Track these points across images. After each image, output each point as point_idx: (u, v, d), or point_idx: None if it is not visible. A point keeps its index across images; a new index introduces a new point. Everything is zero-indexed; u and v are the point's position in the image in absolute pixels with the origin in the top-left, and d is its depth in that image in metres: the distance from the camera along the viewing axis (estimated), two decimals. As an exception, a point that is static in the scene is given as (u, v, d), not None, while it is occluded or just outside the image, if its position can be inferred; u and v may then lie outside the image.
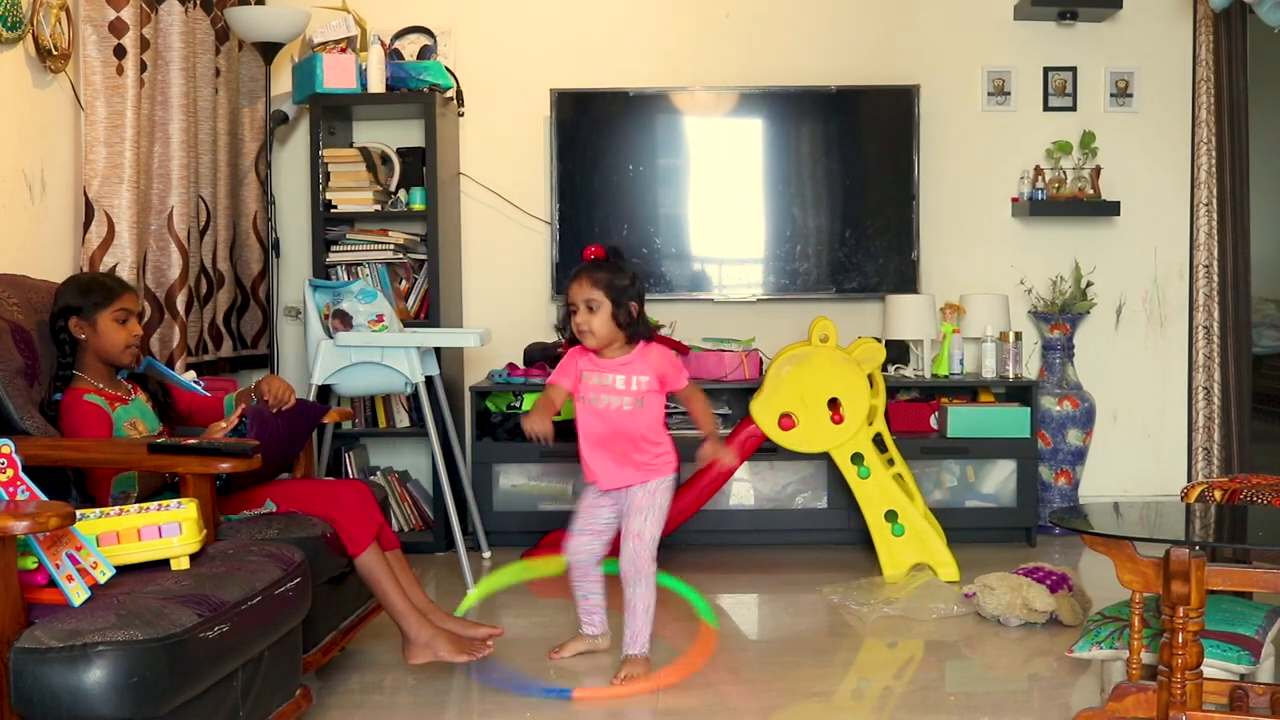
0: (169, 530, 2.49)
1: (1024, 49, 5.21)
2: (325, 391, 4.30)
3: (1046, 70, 5.20)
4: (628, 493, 3.33)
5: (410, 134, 5.05)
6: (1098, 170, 5.12)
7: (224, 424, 3.09)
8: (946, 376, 4.94)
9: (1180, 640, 2.54)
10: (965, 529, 4.77)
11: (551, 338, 5.10)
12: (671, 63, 5.17)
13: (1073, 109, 5.21)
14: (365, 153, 4.76)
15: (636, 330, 3.29)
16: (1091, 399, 5.04)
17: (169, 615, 2.19)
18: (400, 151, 4.91)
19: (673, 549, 4.74)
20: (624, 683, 3.21)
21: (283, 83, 5.02)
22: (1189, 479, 5.20)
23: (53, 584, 2.25)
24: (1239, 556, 2.93)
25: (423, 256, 4.83)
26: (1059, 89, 5.20)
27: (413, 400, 4.85)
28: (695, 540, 4.81)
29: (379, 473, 4.96)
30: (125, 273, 3.80)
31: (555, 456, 4.76)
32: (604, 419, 3.30)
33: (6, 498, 2.31)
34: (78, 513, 2.37)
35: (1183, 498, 3.47)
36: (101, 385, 3.12)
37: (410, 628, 3.20)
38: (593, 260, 3.30)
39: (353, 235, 4.77)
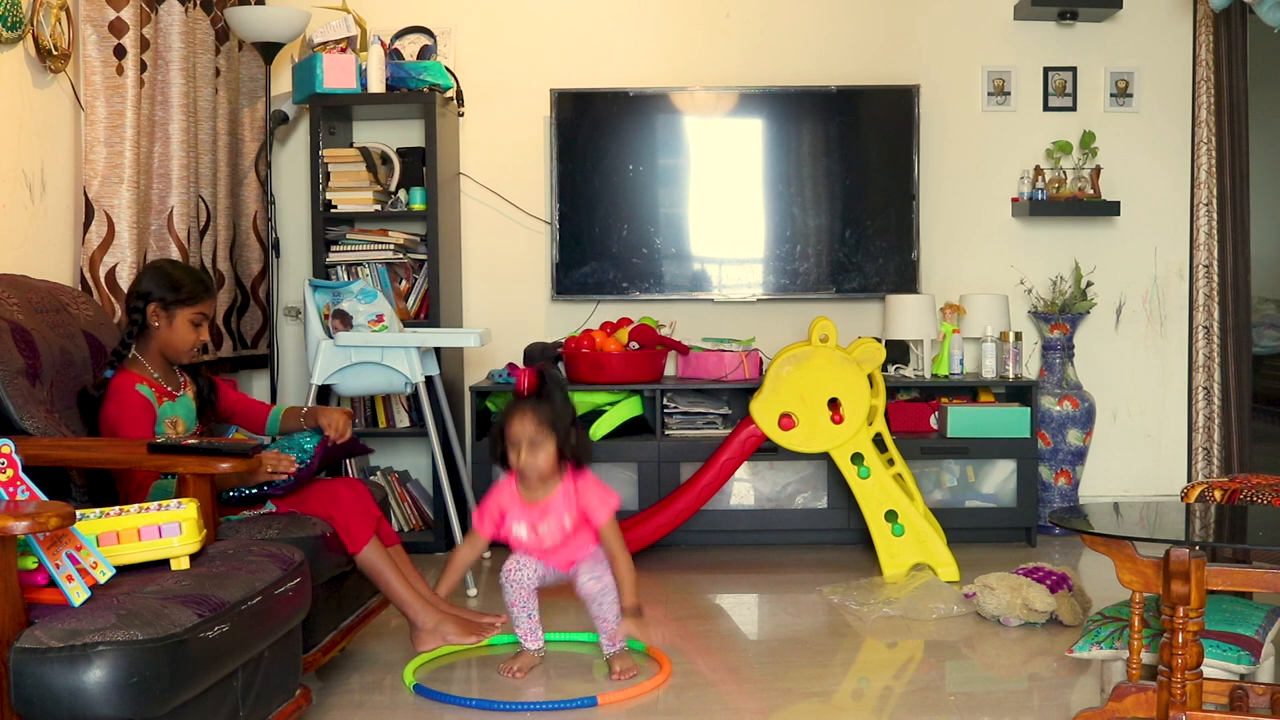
0: (169, 530, 2.49)
1: (1024, 49, 5.21)
2: (325, 391, 4.30)
3: (1046, 70, 5.20)
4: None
5: (410, 134, 5.05)
6: (1098, 170, 5.12)
7: (280, 465, 3.12)
8: (946, 376, 4.94)
9: (1180, 640, 2.54)
10: (965, 529, 4.77)
11: (551, 337, 5.10)
12: (671, 63, 5.17)
13: (1073, 109, 5.21)
14: (365, 153, 4.76)
15: (579, 455, 3.23)
16: (1091, 399, 5.04)
17: (169, 615, 2.19)
18: (400, 151, 4.91)
19: (673, 549, 4.75)
20: (623, 675, 3.24)
21: (283, 83, 5.02)
22: (1189, 479, 5.20)
23: (53, 584, 2.25)
24: (1239, 556, 2.93)
25: (423, 256, 4.83)
26: (1059, 89, 5.20)
27: (413, 400, 4.85)
28: (695, 540, 4.81)
29: (379, 473, 4.96)
30: (125, 273, 3.81)
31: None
32: (535, 544, 3.28)
33: (6, 498, 2.31)
34: (78, 513, 2.37)
35: (1183, 498, 3.47)
36: (156, 375, 3.17)
37: (417, 615, 3.21)
38: (529, 395, 3.20)
39: (353, 235, 4.77)
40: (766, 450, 4.52)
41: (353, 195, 4.72)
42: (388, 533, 3.31)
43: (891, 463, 4.47)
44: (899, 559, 4.34)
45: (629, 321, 4.92)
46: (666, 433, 4.82)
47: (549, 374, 3.22)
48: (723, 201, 5.12)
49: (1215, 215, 5.11)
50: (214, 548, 2.66)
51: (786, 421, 4.36)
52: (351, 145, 4.91)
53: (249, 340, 4.89)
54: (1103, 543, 2.64)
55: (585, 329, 4.98)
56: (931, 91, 5.13)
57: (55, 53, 3.62)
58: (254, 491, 3.10)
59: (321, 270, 4.70)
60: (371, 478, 4.87)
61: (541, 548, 3.26)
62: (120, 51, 3.81)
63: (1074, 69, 5.20)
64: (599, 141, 5.06)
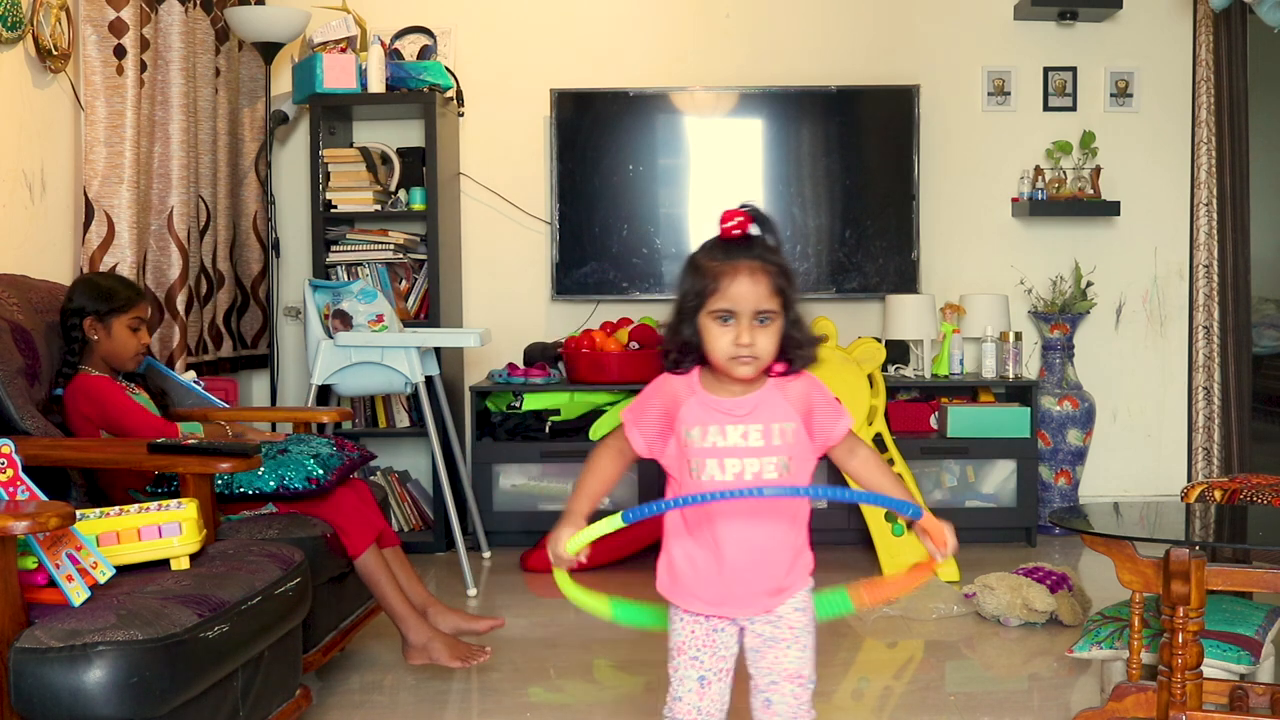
0: (169, 530, 2.49)
1: (1024, 49, 5.21)
2: (325, 391, 4.30)
3: (1046, 70, 5.20)
4: (770, 615, 2.04)
5: (410, 134, 5.05)
6: (1098, 170, 5.12)
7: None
8: (946, 376, 4.94)
9: (1180, 640, 2.54)
10: (965, 529, 4.72)
11: (551, 337, 5.10)
12: (671, 63, 5.17)
13: (1073, 109, 5.21)
14: (365, 153, 4.76)
15: (805, 355, 1.99)
16: (1091, 399, 5.04)
17: (169, 615, 2.19)
18: (400, 151, 4.91)
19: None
20: None
21: (283, 83, 5.02)
22: (1189, 479, 5.20)
23: (53, 584, 2.25)
24: (1239, 556, 2.93)
25: (423, 256, 4.83)
26: (1059, 89, 5.20)
27: (413, 400, 4.85)
28: (695, 540, 4.80)
29: (379, 473, 4.96)
30: (125, 272, 3.81)
31: (557, 457, 4.76)
32: (718, 501, 1.94)
33: (6, 498, 2.30)
34: (78, 513, 2.37)
35: (1183, 498, 3.47)
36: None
37: (408, 630, 3.19)
38: (753, 238, 1.99)
39: (353, 235, 4.77)
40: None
41: (353, 195, 4.72)
42: (387, 534, 3.31)
43: (891, 463, 4.47)
44: (899, 559, 4.34)
45: (629, 321, 4.92)
46: (666, 433, 4.81)
47: (763, 214, 2.02)
48: (723, 201, 5.05)
49: (1215, 215, 5.11)
50: (214, 548, 2.66)
51: (786, 421, 4.35)
52: (351, 145, 4.91)
53: (249, 340, 4.89)
54: (1103, 543, 2.64)
55: (585, 329, 4.98)
56: (931, 91, 5.13)
57: (55, 53, 3.62)
58: (269, 490, 3.09)
59: (321, 270, 4.70)
60: (371, 478, 4.87)
61: (740, 479, 1.94)
62: (120, 51, 3.81)
63: (1074, 69, 5.20)
64: (599, 141, 5.06)
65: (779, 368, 1.97)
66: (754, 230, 1.99)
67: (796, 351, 1.97)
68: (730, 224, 1.99)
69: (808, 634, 2.05)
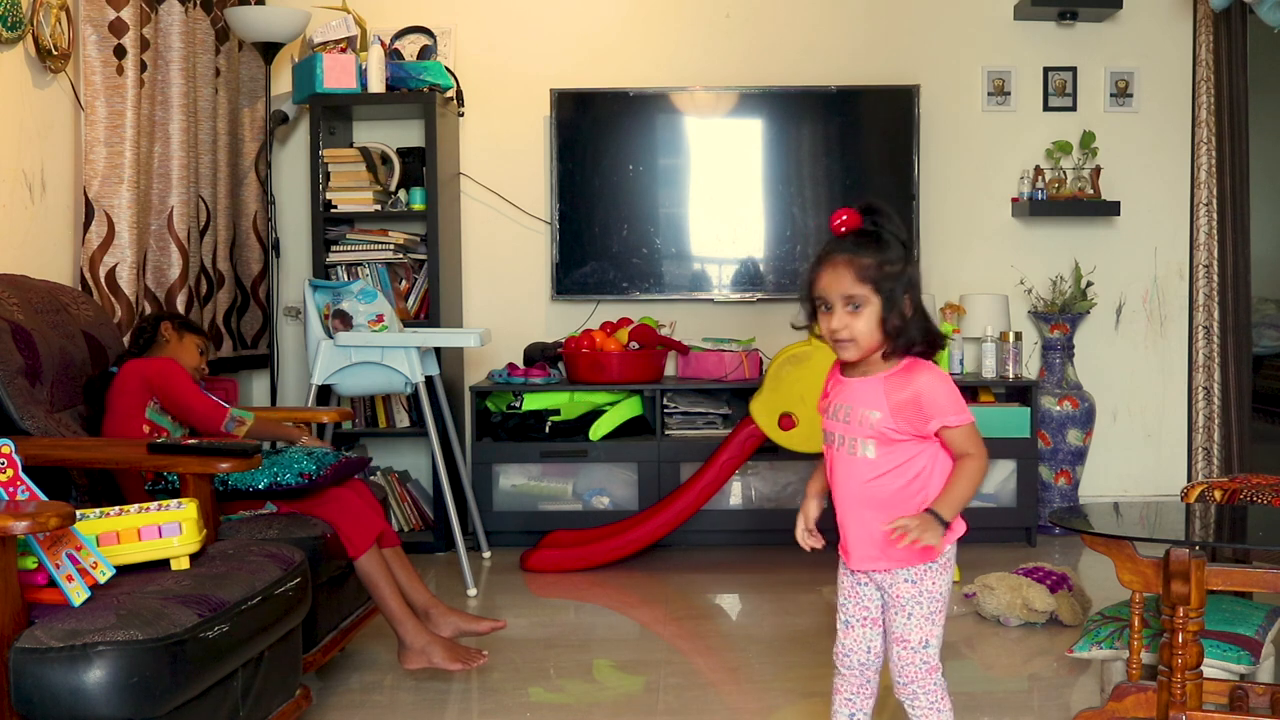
0: (169, 530, 2.49)
1: (1024, 49, 5.21)
2: (325, 391, 4.30)
3: (1046, 70, 5.20)
4: (888, 577, 2.29)
5: (410, 134, 5.05)
6: (1098, 170, 5.12)
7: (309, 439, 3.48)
8: (946, 376, 4.93)
9: (1180, 640, 2.54)
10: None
11: (551, 337, 5.10)
12: (671, 63, 5.17)
13: (1073, 109, 5.21)
14: (365, 153, 4.76)
15: (908, 337, 2.19)
16: (1091, 399, 5.04)
17: (169, 615, 2.19)
18: (400, 151, 4.92)
19: (673, 549, 4.75)
20: None
21: (283, 83, 5.02)
22: (1189, 479, 5.20)
23: (53, 584, 2.25)
24: (1239, 556, 2.93)
25: (423, 256, 4.83)
26: (1059, 89, 5.20)
27: (413, 400, 4.85)
28: (695, 540, 4.81)
29: (379, 473, 4.96)
30: (125, 273, 3.81)
31: (557, 456, 4.76)
32: (837, 465, 2.29)
33: (6, 498, 2.30)
34: (78, 513, 2.37)
35: (1183, 498, 3.47)
36: None
37: (406, 634, 3.18)
38: (852, 234, 2.19)
39: (353, 235, 4.78)
40: (766, 450, 4.52)
41: (353, 195, 4.72)
42: (388, 534, 3.31)
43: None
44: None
45: (629, 321, 4.92)
46: (666, 433, 4.82)
47: (876, 208, 2.21)
48: (723, 201, 5.12)
49: (1215, 215, 5.11)
50: (214, 548, 2.66)
51: (786, 421, 4.36)
52: (351, 145, 4.91)
53: (249, 340, 4.89)
54: (1103, 543, 2.64)
55: (585, 329, 4.98)
56: (931, 91, 5.13)
57: (55, 53, 3.62)
58: (261, 487, 3.09)
59: (321, 270, 4.70)
60: (372, 478, 4.87)
61: (841, 459, 2.27)
62: (120, 51, 3.81)
63: (1074, 69, 5.20)
64: (599, 141, 5.06)
65: (905, 359, 2.21)
66: (867, 224, 2.19)
67: (895, 338, 2.18)
68: (836, 221, 2.21)
69: (915, 603, 2.26)
